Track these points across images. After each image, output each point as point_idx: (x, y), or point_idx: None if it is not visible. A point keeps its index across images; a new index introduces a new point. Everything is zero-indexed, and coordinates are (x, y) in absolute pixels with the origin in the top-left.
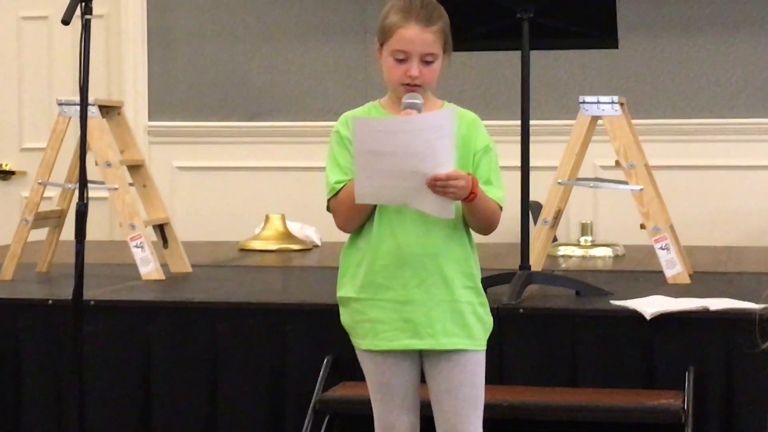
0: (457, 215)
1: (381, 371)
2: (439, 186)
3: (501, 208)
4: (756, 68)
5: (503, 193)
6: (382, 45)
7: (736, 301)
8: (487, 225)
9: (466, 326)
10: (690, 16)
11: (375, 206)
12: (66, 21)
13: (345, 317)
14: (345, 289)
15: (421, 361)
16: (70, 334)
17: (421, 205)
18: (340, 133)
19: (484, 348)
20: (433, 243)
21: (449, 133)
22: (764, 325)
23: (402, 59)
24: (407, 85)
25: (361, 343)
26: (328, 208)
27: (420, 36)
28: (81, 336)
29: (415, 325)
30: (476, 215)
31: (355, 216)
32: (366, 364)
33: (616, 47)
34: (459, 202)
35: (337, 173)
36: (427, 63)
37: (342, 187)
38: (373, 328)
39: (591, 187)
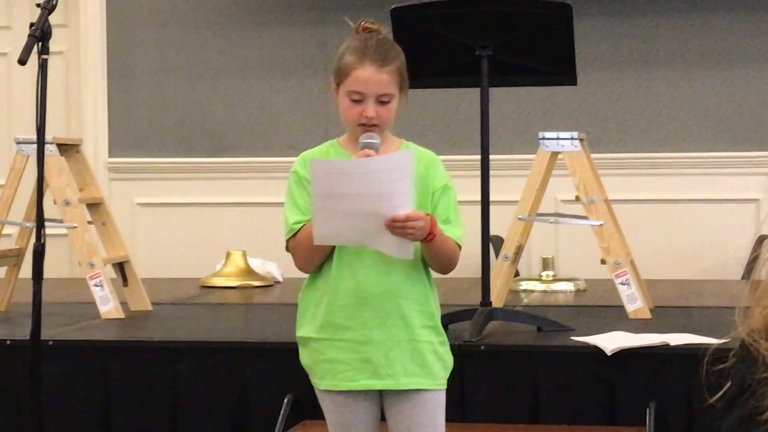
0: (416, 255)
1: (341, 411)
2: (397, 227)
3: (460, 247)
4: (714, 102)
5: (462, 232)
6: (338, 85)
7: (697, 336)
8: (446, 264)
9: (425, 365)
10: (648, 51)
11: (334, 246)
12: (22, 61)
13: (304, 357)
14: (304, 329)
15: (382, 400)
16: (29, 374)
17: (380, 246)
18: (298, 173)
19: (445, 387)
20: (393, 283)
21: (407, 174)
22: (711, 378)
23: (358, 100)
24: (364, 125)
25: (321, 383)
26: (288, 249)
27: (375, 77)
28: (39, 376)
29: (374, 366)
30: (435, 255)
31: (315, 256)
32: (326, 405)
33: (575, 84)
34: (418, 243)
35: (295, 214)
36: (383, 103)
37: (300, 228)
38: (332, 369)
39: (551, 222)
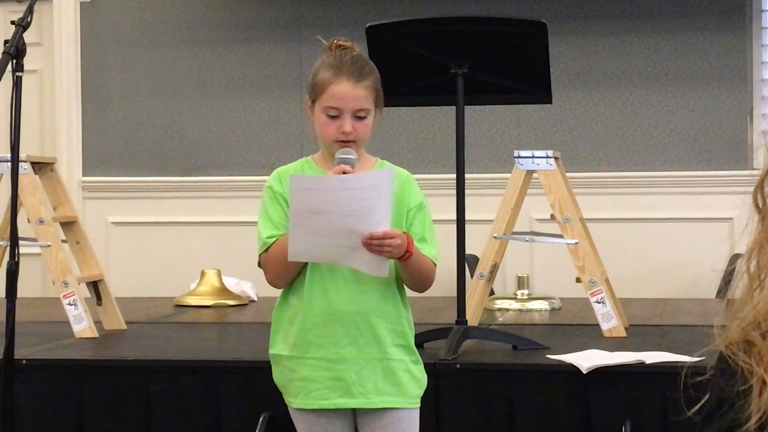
0: (390, 274)
1: (314, 430)
2: (374, 245)
3: (435, 264)
4: (687, 121)
5: (438, 250)
6: (313, 102)
7: (672, 354)
8: (423, 282)
9: (398, 384)
10: (623, 70)
11: (306, 263)
12: None
13: (277, 375)
14: (277, 347)
15: (356, 419)
16: (2, 393)
17: (355, 263)
18: (272, 188)
19: (418, 406)
20: (366, 302)
21: (386, 192)
22: (690, 392)
23: (334, 115)
24: (341, 141)
25: (293, 401)
26: (259, 264)
27: (352, 92)
28: (12, 395)
29: (346, 384)
30: (412, 273)
31: (286, 272)
32: (299, 423)
33: (550, 102)
34: (393, 261)
35: (269, 228)
36: (360, 118)
37: (273, 242)
38: (304, 387)
39: (527, 241)
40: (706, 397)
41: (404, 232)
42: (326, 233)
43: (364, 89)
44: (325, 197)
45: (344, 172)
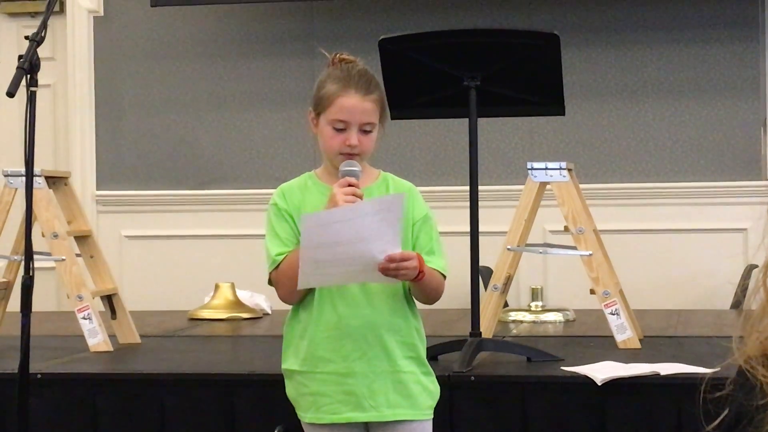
0: (399, 287)
1: None
2: (392, 269)
3: (444, 276)
4: (701, 132)
5: (446, 261)
6: (318, 115)
7: (687, 365)
8: (434, 296)
9: (409, 396)
10: (636, 81)
11: None
12: (11, 93)
13: (289, 390)
14: (288, 362)
15: None
16: (16, 407)
17: (365, 280)
18: (277, 205)
19: (430, 417)
20: (375, 315)
21: (396, 215)
22: (708, 406)
23: (341, 128)
24: (345, 154)
25: (305, 416)
26: (270, 282)
27: (359, 105)
28: (27, 410)
29: (357, 398)
30: (423, 290)
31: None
32: None
33: (563, 114)
34: None
35: (277, 245)
36: (366, 132)
37: (283, 259)
38: (315, 401)
39: (540, 253)
40: (725, 411)
41: (416, 254)
42: (337, 263)
43: (371, 103)
44: (336, 229)
45: (350, 185)
